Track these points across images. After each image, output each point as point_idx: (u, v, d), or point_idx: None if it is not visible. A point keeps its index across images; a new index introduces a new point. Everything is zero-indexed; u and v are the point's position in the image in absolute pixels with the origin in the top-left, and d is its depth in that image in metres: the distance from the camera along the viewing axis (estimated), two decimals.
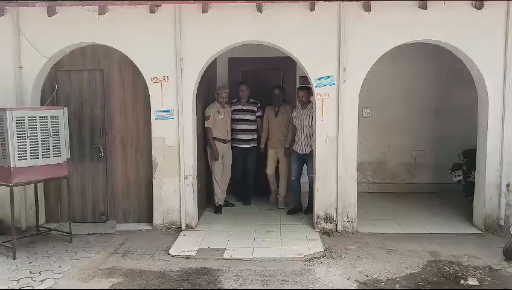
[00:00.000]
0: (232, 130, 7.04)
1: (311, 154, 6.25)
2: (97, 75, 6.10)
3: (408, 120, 8.01)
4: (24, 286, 4.37)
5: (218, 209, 6.88)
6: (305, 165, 6.69)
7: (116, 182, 6.19)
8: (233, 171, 7.20)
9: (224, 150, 6.90)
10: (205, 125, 6.69)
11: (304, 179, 6.87)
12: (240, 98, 7.12)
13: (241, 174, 7.34)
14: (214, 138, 6.73)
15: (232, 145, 7.08)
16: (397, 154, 8.16)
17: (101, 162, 6.17)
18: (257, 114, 7.15)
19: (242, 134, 7.11)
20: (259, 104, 7.18)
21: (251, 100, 7.15)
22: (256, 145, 7.22)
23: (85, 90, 6.13)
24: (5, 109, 4.99)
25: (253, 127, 7.17)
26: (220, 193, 6.95)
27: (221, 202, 6.95)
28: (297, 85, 7.99)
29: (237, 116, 7.06)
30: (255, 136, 7.22)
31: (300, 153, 6.55)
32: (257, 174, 7.36)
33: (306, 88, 6.48)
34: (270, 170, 7.13)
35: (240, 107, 7.10)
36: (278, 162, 7.11)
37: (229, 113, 6.92)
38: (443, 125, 7.94)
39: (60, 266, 4.84)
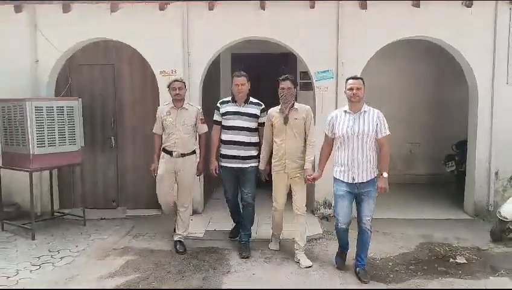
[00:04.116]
0: (221, 142, 5.01)
1: (370, 185, 4.26)
2: (108, 69, 6.44)
3: (404, 114, 8.29)
4: (45, 262, 4.74)
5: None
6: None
7: (126, 169, 6.53)
8: (227, 201, 5.23)
9: (174, 167, 4.96)
10: (153, 131, 5.19)
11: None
12: (235, 96, 4.92)
13: (235, 207, 5.25)
14: (163, 148, 5.05)
15: (221, 165, 5.01)
16: (393, 146, 8.37)
17: (112, 151, 6.52)
18: (260, 120, 4.96)
19: (235, 148, 4.89)
20: (262, 106, 5.01)
21: (251, 100, 5.01)
22: (257, 165, 4.96)
23: (97, 84, 6.48)
24: (24, 99, 5.35)
25: (253, 138, 4.96)
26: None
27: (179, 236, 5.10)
28: (299, 80, 8.34)
29: (229, 123, 4.91)
30: (256, 152, 4.99)
31: (352, 181, 4.25)
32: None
33: (360, 78, 4.42)
34: (279, 202, 4.80)
35: (233, 108, 4.94)
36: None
37: (189, 117, 4.99)
38: (437, 119, 8.26)
39: (77, 246, 5.19)
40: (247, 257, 4.83)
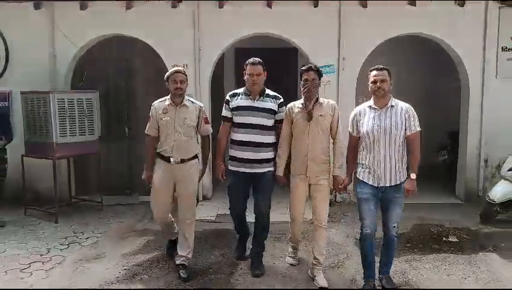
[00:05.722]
0: (231, 142, 4.29)
1: (397, 190, 3.81)
2: (122, 63, 6.81)
3: None
4: (72, 242, 5.14)
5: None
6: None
7: (139, 158, 6.85)
8: (233, 214, 4.54)
9: (173, 175, 4.20)
10: (145, 131, 4.33)
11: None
12: (249, 88, 4.20)
13: (242, 223, 4.59)
14: (158, 153, 4.25)
15: (230, 170, 4.33)
16: None
17: (125, 140, 6.91)
18: (277, 116, 4.25)
19: (249, 150, 4.17)
20: (281, 100, 4.29)
21: (268, 92, 4.27)
22: (273, 169, 4.27)
23: (111, 77, 6.86)
24: (48, 92, 5.73)
25: (270, 138, 4.25)
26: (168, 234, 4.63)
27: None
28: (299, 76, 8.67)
29: (241, 119, 4.20)
30: (272, 154, 4.26)
31: (378, 185, 3.79)
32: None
33: (385, 68, 3.83)
34: (298, 213, 4.22)
35: (246, 102, 4.21)
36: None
37: (190, 116, 4.18)
38: (430, 111, 8.60)
39: (98, 228, 5.59)
40: (261, 275, 4.21)
